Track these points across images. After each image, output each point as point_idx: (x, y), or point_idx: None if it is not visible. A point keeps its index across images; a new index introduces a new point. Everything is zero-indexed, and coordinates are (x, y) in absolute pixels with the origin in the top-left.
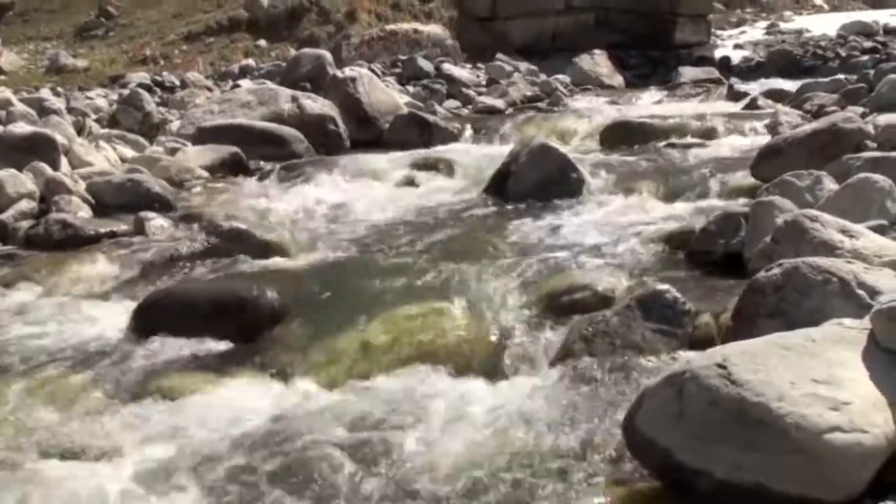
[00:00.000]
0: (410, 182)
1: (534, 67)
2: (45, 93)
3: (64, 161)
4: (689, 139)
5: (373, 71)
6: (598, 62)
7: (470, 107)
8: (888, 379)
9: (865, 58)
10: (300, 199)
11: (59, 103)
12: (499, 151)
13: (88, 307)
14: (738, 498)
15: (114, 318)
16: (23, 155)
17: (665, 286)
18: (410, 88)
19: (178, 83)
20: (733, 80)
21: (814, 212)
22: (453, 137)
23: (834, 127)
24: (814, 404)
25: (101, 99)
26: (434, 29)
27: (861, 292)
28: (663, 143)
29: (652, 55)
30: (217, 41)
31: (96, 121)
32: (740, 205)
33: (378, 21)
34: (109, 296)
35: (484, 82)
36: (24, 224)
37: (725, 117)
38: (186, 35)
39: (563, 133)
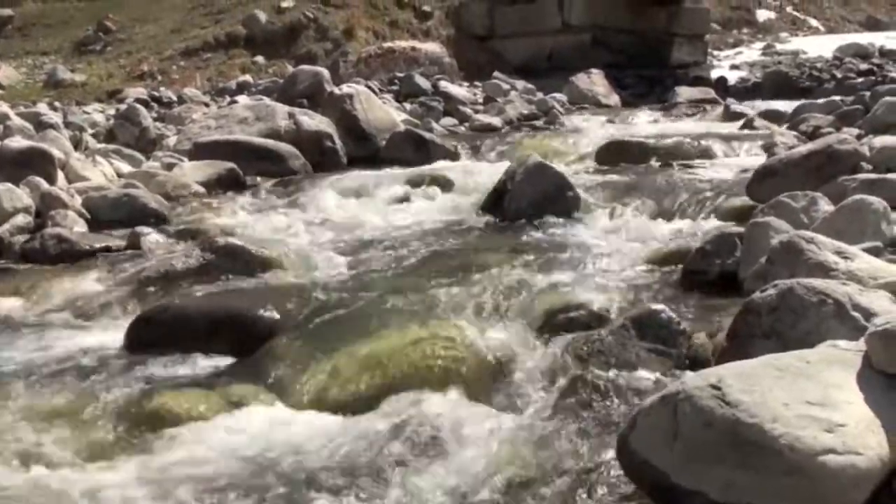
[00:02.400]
0: (406, 199)
1: (531, 86)
2: (42, 107)
3: (60, 176)
4: (685, 159)
5: (370, 88)
6: (594, 81)
7: (467, 124)
8: (883, 401)
9: (861, 80)
10: (296, 215)
11: (56, 118)
12: (495, 169)
13: (83, 322)
14: None
15: (109, 333)
16: (19, 169)
17: (660, 306)
18: (408, 106)
19: (175, 99)
20: (729, 100)
21: (809, 233)
22: (450, 155)
23: (829, 148)
24: (808, 426)
25: (98, 114)
26: (432, 47)
27: (856, 314)
28: (659, 162)
29: (648, 75)
30: (214, 57)
31: (93, 135)
32: (736, 225)
33: (376, 38)
34: (104, 311)
35: (481, 100)
36: (20, 238)
37: (721, 137)
38: (184, 51)
39: (559, 151)
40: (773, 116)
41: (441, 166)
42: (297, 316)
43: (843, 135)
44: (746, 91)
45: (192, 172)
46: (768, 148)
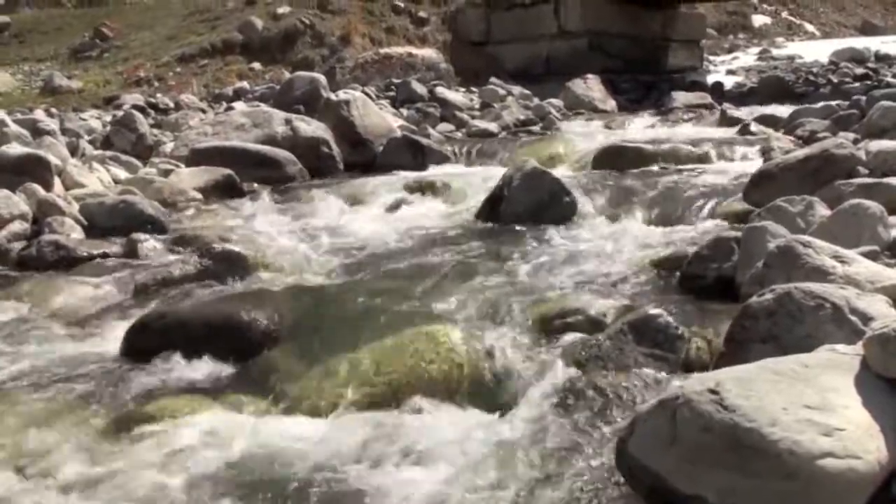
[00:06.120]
0: (403, 205)
1: (527, 92)
2: (38, 114)
3: (57, 182)
4: (681, 164)
5: (367, 94)
6: (590, 86)
7: (463, 130)
8: (881, 405)
9: (857, 84)
10: (293, 221)
11: (52, 124)
12: (492, 175)
13: (80, 329)
14: None
15: (106, 339)
16: (16, 176)
17: (657, 310)
18: (404, 111)
19: (171, 105)
20: (726, 105)
21: (806, 237)
22: (446, 160)
23: (826, 153)
24: (807, 430)
25: (95, 120)
26: (428, 52)
27: (854, 318)
28: (656, 167)
29: (645, 80)
30: (211, 63)
31: (90, 142)
32: (733, 230)
33: (372, 44)
34: (101, 317)
35: (477, 106)
36: (17, 245)
37: (718, 142)
38: (180, 57)
39: (555, 157)
40: (770, 121)
41: (438, 172)
42: (293, 322)
43: (839, 139)
44: (742, 96)
45: (190, 179)
46: (765, 152)
